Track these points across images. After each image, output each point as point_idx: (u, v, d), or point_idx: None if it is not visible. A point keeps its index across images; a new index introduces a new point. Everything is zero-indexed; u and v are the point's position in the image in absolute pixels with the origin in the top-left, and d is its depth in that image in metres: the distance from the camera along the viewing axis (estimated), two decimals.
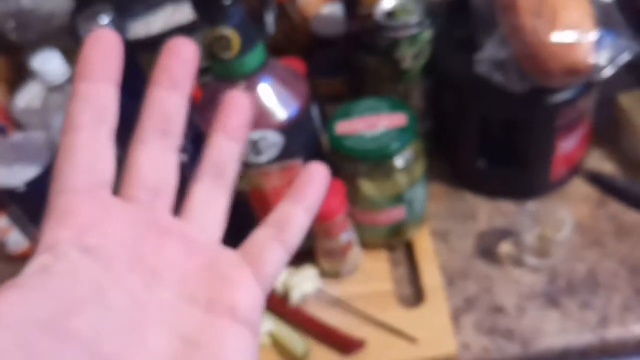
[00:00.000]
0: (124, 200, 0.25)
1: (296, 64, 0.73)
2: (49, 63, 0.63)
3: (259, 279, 0.25)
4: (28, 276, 0.21)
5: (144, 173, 0.25)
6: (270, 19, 0.68)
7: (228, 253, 0.26)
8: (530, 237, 0.59)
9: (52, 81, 0.64)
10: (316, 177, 0.27)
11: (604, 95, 0.64)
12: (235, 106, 0.27)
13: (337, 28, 0.75)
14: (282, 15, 0.83)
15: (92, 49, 0.25)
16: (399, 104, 0.59)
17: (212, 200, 0.27)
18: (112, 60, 0.25)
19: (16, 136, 0.71)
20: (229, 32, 0.49)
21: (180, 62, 0.26)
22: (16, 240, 0.74)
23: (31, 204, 0.71)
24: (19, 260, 0.76)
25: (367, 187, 0.58)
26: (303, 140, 0.57)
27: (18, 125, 0.76)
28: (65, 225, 0.23)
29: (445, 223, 0.67)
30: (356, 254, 0.63)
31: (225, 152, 0.27)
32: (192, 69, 0.27)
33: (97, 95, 0.24)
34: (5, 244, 0.74)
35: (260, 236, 0.26)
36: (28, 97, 0.75)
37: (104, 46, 0.25)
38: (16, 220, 0.73)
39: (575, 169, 0.67)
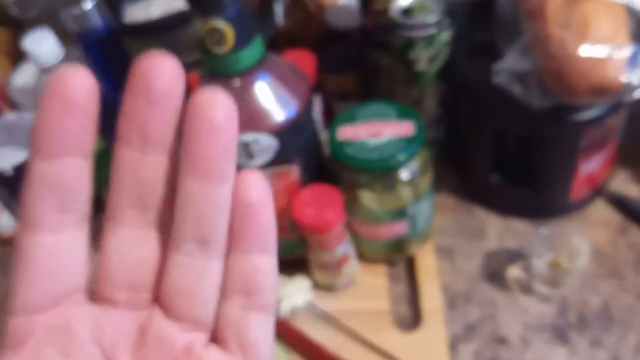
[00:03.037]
0: (98, 303, 0.21)
1: (306, 58, 0.69)
2: (41, 44, 0.60)
3: None
4: None
5: (115, 266, 0.20)
6: (279, 9, 0.63)
7: (210, 350, 0.21)
8: (541, 264, 0.55)
9: (44, 62, 0.61)
10: (259, 202, 0.20)
11: (632, 111, 0.58)
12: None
13: (353, 21, 0.70)
14: (297, 4, 0.78)
15: (50, 106, 0.18)
16: (408, 111, 0.54)
17: (198, 280, 0.21)
18: (80, 118, 0.18)
19: (9, 116, 0.68)
20: (223, 26, 0.45)
21: (152, 102, 0.19)
22: (6, 222, 0.72)
23: (19, 188, 0.68)
24: (8, 243, 0.73)
25: (368, 199, 0.54)
26: (300, 145, 0.53)
27: (14, 105, 0.73)
28: (18, 355, 0.19)
29: (452, 239, 0.62)
30: (352, 267, 0.59)
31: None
32: (170, 111, 0.19)
33: (60, 177, 0.19)
34: None
35: (231, 312, 0.21)
36: (25, 76, 0.72)
37: (68, 97, 0.18)
38: (5, 203, 0.71)
39: (598, 191, 0.62)
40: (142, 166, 0.20)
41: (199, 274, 0.20)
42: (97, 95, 0.18)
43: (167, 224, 0.21)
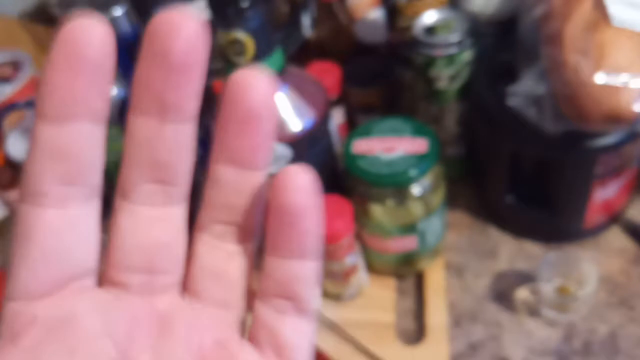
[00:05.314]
0: (108, 289, 0.19)
1: (331, 69, 0.70)
2: None
3: None
4: None
5: (130, 247, 0.18)
6: (307, 20, 0.65)
7: (245, 349, 0.20)
8: (548, 289, 0.55)
9: None
10: (301, 208, 0.18)
11: None
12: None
13: (380, 36, 0.71)
14: (329, 15, 0.80)
15: (59, 61, 0.16)
16: (423, 128, 0.55)
17: (228, 261, 0.20)
18: (93, 76, 0.16)
19: None
20: (244, 37, 0.47)
21: (172, 67, 0.16)
22: None
23: None
24: None
25: (378, 212, 0.55)
26: (315, 155, 0.54)
27: None
28: (15, 348, 0.17)
29: (463, 257, 0.63)
30: (360, 278, 0.59)
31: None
32: (193, 76, 0.17)
33: (68, 144, 0.16)
34: None
35: (266, 314, 0.19)
36: None
37: (80, 51, 0.15)
38: None
39: (614, 218, 0.61)
40: (160, 137, 0.17)
41: (230, 255, 0.19)
42: (114, 49, 0.16)
43: (187, 199, 0.19)
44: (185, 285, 0.20)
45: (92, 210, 0.18)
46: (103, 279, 0.19)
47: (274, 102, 0.18)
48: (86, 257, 0.18)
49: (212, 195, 0.19)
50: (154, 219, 0.18)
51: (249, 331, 0.20)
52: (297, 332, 0.19)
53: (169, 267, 0.19)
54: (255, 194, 0.19)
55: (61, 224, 0.17)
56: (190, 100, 0.17)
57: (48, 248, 0.17)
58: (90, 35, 0.15)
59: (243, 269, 0.20)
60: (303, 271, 0.19)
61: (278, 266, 0.19)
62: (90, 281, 0.18)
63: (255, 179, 0.19)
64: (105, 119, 0.17)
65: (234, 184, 0.18)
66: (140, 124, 0.17)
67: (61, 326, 0.17)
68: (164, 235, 0.19)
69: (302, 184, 0.18)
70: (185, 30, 0.16)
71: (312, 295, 0.20)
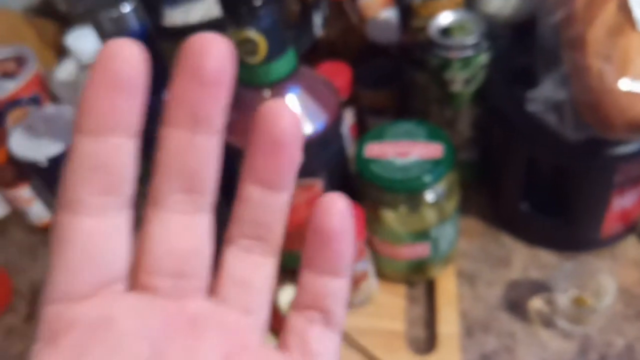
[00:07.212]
0: (139, 293, 0.20)
1: (342, 70, 0.69)
2: (82, 41, 0.61)
3: None
4: None
5: (161, 252, 0.20)
6: (318, 20, 0.63)
7: (269, 353, 0.21)
8: (564, 300, 0.53)
9: (85, 59, 0.63)
10: (338, 231, 0.20)
11: None
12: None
13: (392, 36, 0.69)
14: (340, 14, 0.78)
15: (99, 80, 0.17)
16: (438, 133, 0.53)
17: (254, 271, 0.21)
18: (129, 94, 0.17)
19: (49, 108, 0.70)
20: (256, 36, 0.45)
21: (205, 82, 0.18)
22: (39, 211, 0.74)
23: (53, 179, 0.70)
24: (41, 232, 0.75)
25: (391, 218, 0.53)
26: (326, 159, 0.53)
27: (55, 98, 0.75)
28: (56, 349, 0.18)
29: (475, 265, 0.61)
30: (370, 285, 0.58)
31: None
32: (222, 91, 0.18)
33: (106, 156, 0.18)
34: (28, 214, 0.74)
35: (297, 322, 0.22)
36: (68, 70, 0.74)
37: (119, 71, 0.17)
38: (39, 192, 0.72)
39: (632, 227, 0.59)
40: (191, 147, 0.19)
41: (256, 266, 0.21)
42: (147, 71, 0.17)
43: (213, 208, 0.21)
44: (213, 291, 0.21)
45: (125, 219, 0.19)
46: (133, 283, 0.20)
47: (300, 131, 0.20)
48: (120, 263, 0.19)
49: (240, 211, 0.21)
50: (183, 226, 0.20)
51: (280, 336, 0.22)
52: (324, 341, 0.22)
53: (197, 272, 0.20)
54: (280, 212, 0.21)
55: (98, 232, 0.18)
56: (219, 114, 0.19)
57: (86, 253, 0.18)
58: (128, 55, 0.17)
59: (268, 279, 0.21)
60: (334, 288, 0.21)
61: (312, 281, 0.21)
62: (121, 286, 0.19)
63: (281, 198, 0.21)
64: (139, 133, 0.18)
65: (260, 202, 0.20)
66: (172, 136, 0.19)
67: (100, 327, 0.18)
68: (193, 241, 0.20)
69: (340, 209, 0.20)
70: (216, 50, 0.18)
71: (341, 310, 0.22)
